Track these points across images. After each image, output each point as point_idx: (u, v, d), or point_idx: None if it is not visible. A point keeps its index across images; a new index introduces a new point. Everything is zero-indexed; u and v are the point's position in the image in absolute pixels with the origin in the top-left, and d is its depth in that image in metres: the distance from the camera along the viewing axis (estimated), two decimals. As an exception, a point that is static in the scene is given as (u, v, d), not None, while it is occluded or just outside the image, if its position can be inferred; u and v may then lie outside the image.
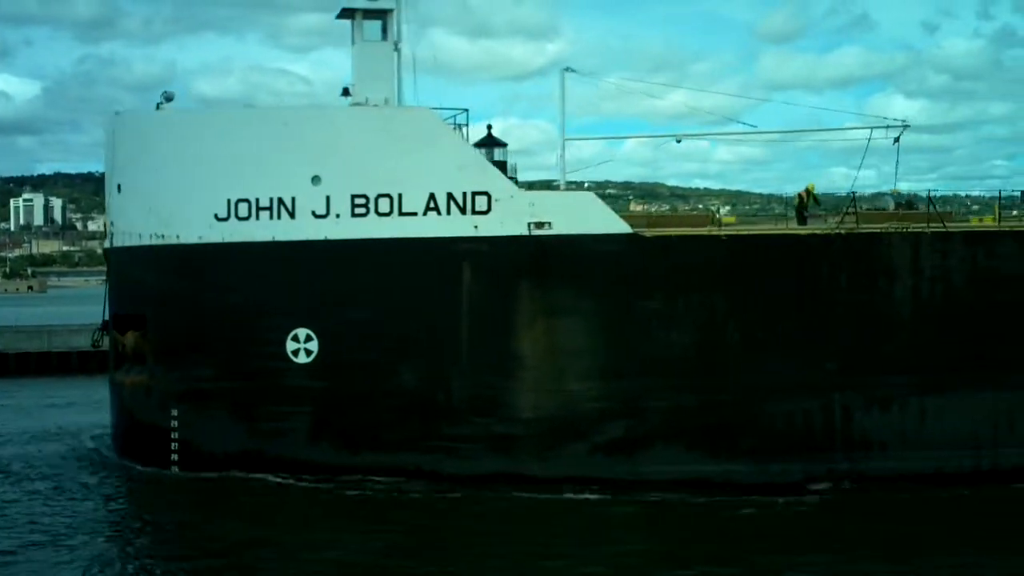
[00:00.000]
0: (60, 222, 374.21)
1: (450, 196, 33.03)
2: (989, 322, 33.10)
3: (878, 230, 33.38)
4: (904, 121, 33.50)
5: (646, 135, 37.44)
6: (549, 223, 32.85)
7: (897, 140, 33.86)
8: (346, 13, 36.37)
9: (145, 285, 35.91)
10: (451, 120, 34.85)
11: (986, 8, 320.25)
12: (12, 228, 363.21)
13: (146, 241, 35.36)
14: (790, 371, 32.61)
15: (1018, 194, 35.13)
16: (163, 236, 34.90)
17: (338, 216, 33.33)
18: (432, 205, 33.11)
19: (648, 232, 33.34)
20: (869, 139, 34.00)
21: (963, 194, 41.63)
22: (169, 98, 35.50)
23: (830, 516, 30.36)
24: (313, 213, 33.49)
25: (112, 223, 37.45)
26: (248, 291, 33.97)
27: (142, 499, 33.72)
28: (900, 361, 32.87)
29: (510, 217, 32.89)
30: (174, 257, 34.76)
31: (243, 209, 33.87)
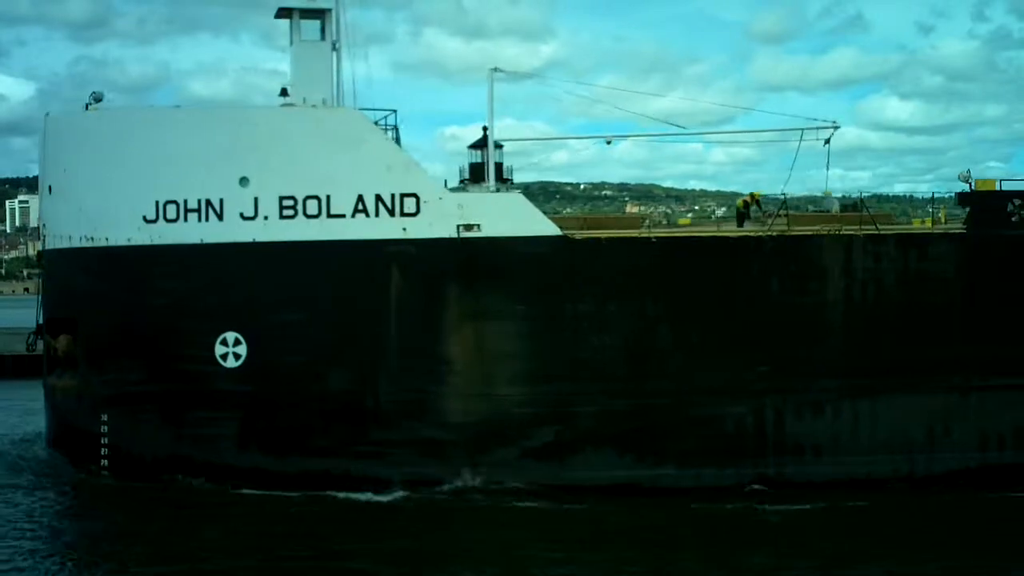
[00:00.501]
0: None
1: (378, 198, 32.68)
2: (923, 325, 32.75)
3: (810, 232, 33.03)
4: (834, 122, 33.19)
5: (585, 136, 36.65)
6: (478, 225, 32.50)
7: (827, 141, 33.53)
8: (283, 13, 35.98)
9: (75, 288, 35.54)
10: (381, 121, 34.54)
11: (981, 9, 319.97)
12: (8, 230, 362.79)
13: (76, 243, 34.98)
14: (722, 375, 32.27)
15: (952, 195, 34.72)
16: (92, 238, 34.52)
17: (266, 218, 32.95)
18: (360, 207, 32.75)
19: (578, 234, 32.99)
20: (800, 140, 33.62)
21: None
22: (98, 98, 35.13)
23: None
24: (241, 215, 33.11)
25: (44, 225, 37.08)
26: (176, 294, 33.58)
27: (70, 504, 33.33)
28: (833, 365, 32.54)
29: (439, 219, 32.53)
30: (103, 259, 34.38)
31: (171, 211, 33.48)
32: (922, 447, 32.94)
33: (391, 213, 32.64)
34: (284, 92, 37.23)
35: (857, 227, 33.04)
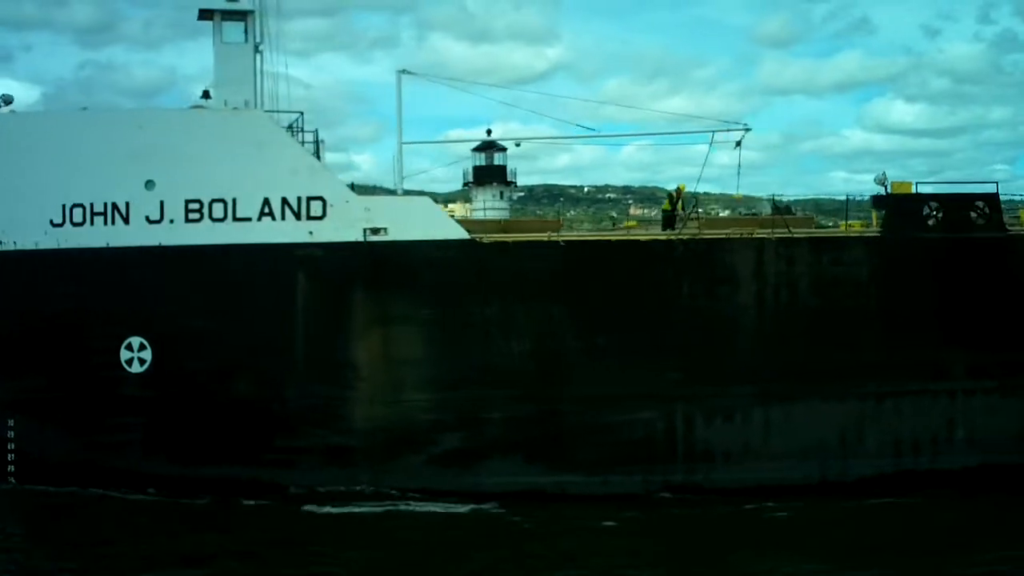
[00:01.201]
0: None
1: (284, 201, 32.22)
2: (836, 330, 32.33)
3: (722, 236, 32.59)
4: (745, 124, 32.77)
5: (488, 139, 36.38)
6: (385, 229, 32.07)
7: (739, 144, 33.10)
8: (205, 14, 35.53)
9: (-17, 293, 35.03)
10: (291, 125, 34.13)
11: (987, 12, 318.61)
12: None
13: (-17, 248, 34.50)
14: (631, 380, 31.81)
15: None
16: (0, 242, 34.07)
17: (172, 222, 32.47)
18: (267, 210, 32.28)
19: (486, 238, 32.55)
20: (711, 143, 33.26)
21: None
22: (8, 100, 34.65)
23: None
24: (147, 219, 32.62)
25: (-44, 229, 36.51)
26: (82, 299, 33.09)
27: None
28: (744, 370, 32.09)
29: (345, 223, 32.09)
30: (9, 263, 33.88)
31: (78, 214, 32.98)
32: (835, 453, 32.50)
33: (297, 217, 32.19)
34: (206, 94, 36.95)
35: (770, 230, 32.57)
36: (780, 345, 32.19)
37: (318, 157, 34.74)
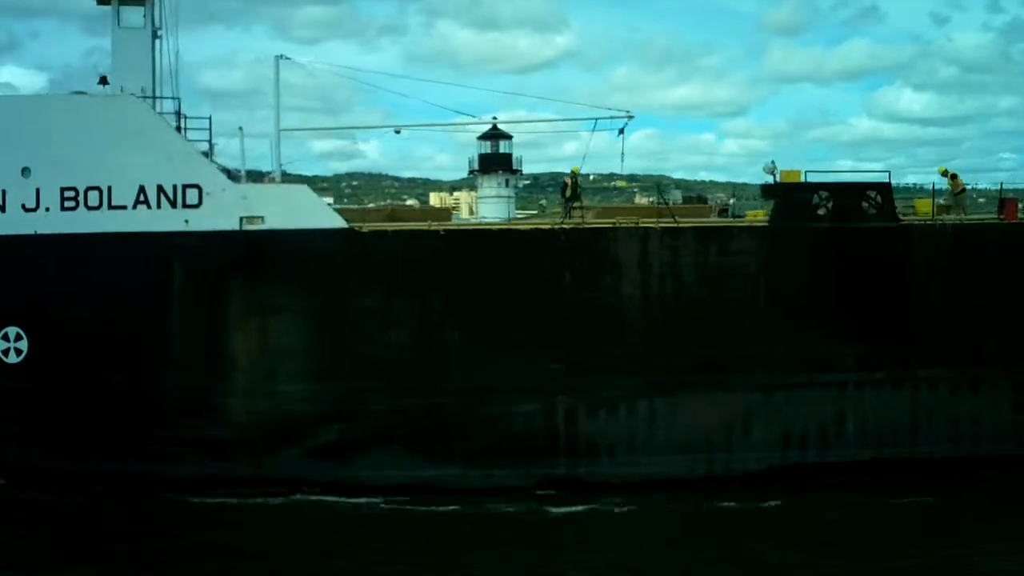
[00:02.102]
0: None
1: (160, 189, 31.55)
2: (723, 321, 31.74)
3: (605, 225, 31.97)
4: (628, 112, 32.11)
5: (376, 126, 35.41)
6: (262, 217, 31.42)
7: (621, 132, 32.51)
8: None
9: None
10: (179, 111, 33.48)
11: (996, 1, 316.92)
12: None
13: None
14: (512, 372, 31.20)
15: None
16: None
17: (48, 210, 31.77)
18: (142, 198, 31.61)
19: (365, 227, 31.91)
20: (593, 130, 32.64)
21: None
22: None
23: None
24: (23, 207, 31.93)
25: None
26: (-44, 288, 32.43)
27: None
28: (628, 362, 31.49)
29: (222, 211, 31.42)
30: None
31: (-46, 203, 32.33)
32: (721, 446, 31.95)
33: (173, 205, 31.51)
34: (104, 80, 36.18)
35: (655, 220, 31.95)
36: (665, 337, 31.60)
37: (210, 145, 34.20)
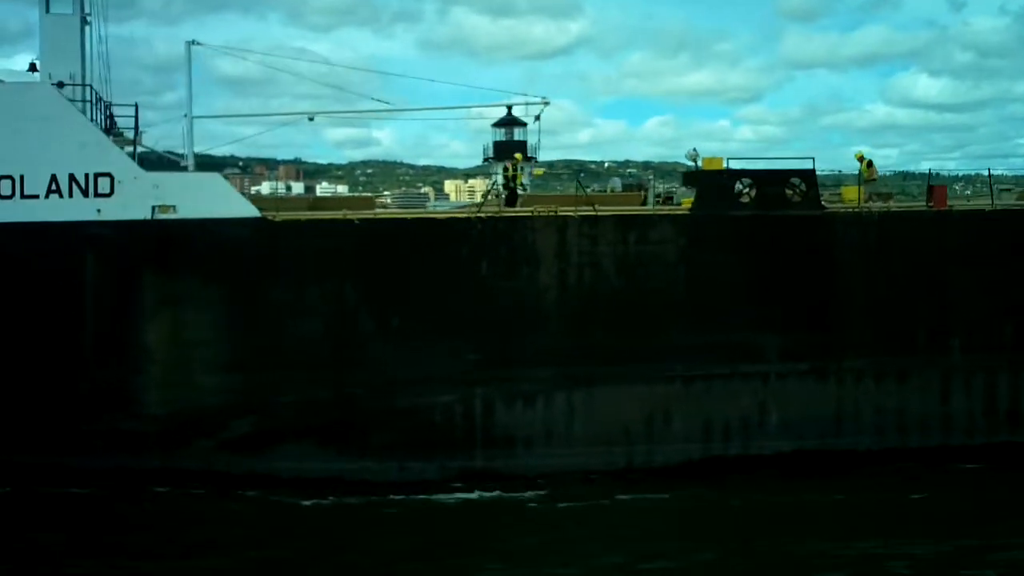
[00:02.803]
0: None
1: (72, 178, 31.09)
2: (642, 311, 31.27)
3: (524, 213, 31.48)
4: (544, 98, 31.62)
5: (290, 112, 34.96)
6: (174, 207, 30.97)
7: (538, 118, 32.05)
8: None
9: None
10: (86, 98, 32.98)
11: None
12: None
13: None
14: (428, 363, 30.76)
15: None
16: None
17: (-40, 200, 31.41)
18: (54, 187, 31.14)
19: (279, 216, 31.47)
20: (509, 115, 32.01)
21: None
22: None
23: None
24: (-63, 196, 31.55)
25: None
26: None
27: None
28: (546, 352, 31.04)
29: (134, 200, 30.95)
30: None
31: None
32: (641, 438, 31.52)
33: (85, 194, 31.04)
34: (32, 67, 35.78)
35: (574, 208, 31.47)
36: (584, 327, 31.14)
37: (135, 132, 33.80)
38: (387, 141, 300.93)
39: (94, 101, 33.10)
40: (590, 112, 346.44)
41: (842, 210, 33.16)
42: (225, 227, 30.74)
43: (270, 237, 30.90)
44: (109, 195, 31.03)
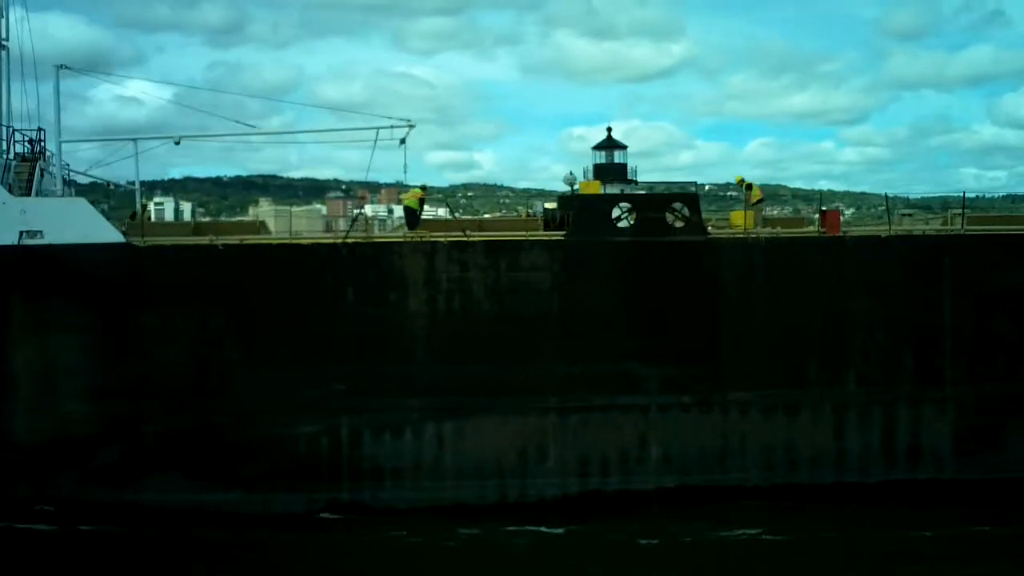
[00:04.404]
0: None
1: None
2: (515, 340, 30.24)
3: (392, 239, 30.68)
4: (409, 121, 30.78)
5: (154, 136, 33.92)
6: (41, 232, 30.61)
7: (403, 141, 31.18)
8: None
9: None
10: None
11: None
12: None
13: None
14: (294, 393, 30.02)
15: None
16: None
17: None
18: (-74, 212, 30.99)
19: (147, 241, 30.98)
20: (376, 140, 31.36)
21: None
22: None
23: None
24: None
25: None
26: None
27: None
28: (415, 382, 30.15)
29: (1, 226, 30.67)
30: None
31: None
32: (515, 472, 30.44)
33: (-47, 219, 30.86)
34: None
35: (443, 234, 30.60)
36: (454, 356, 30.19)
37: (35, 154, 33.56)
38: (488, 164, 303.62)
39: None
40: (691, 134, 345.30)
41: (727, 235, 31.85)
42: (90, 253, 30.28)
43: (135, 263, 30.40)
44: None
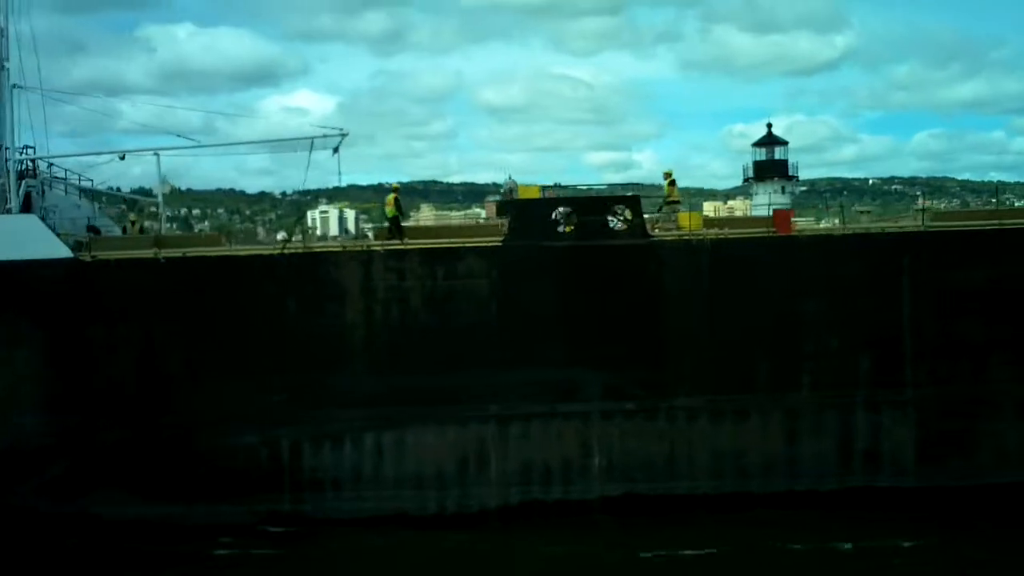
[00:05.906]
0: (352, 232, 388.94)
1: None
2: (453, 348, 29.88)
3: (330, 249, 30.57)
4: (342, 130, 30.69)
5: (103, 152, 33.60)
6: None
7: (336, 150, 31.05)
8: None
9: None
10: None
11: None
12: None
13: None
14: (234, 404, 30.03)
15: None
16: None
17: None
18: None
19: (98, 255, 31.35)
20: (311, 149, 31.32)
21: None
22: None
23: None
24: None
25: None
26: None
27: None
28: (354, 392, 29.95)
29: None
30: None
31: None
32: (454, 482, 30.02)
33: (-98, 237, 31.55)
34: None
35: (381, 243, 30.40)
36: (392, 365, 29.94)
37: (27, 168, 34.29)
38: (648, 163, 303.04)
39: None
40: (855, 127, 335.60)
41: (671, 237, 31.04)
42: (38, 268, 30.72)
43: (82, 277, 30.75)
44: None
